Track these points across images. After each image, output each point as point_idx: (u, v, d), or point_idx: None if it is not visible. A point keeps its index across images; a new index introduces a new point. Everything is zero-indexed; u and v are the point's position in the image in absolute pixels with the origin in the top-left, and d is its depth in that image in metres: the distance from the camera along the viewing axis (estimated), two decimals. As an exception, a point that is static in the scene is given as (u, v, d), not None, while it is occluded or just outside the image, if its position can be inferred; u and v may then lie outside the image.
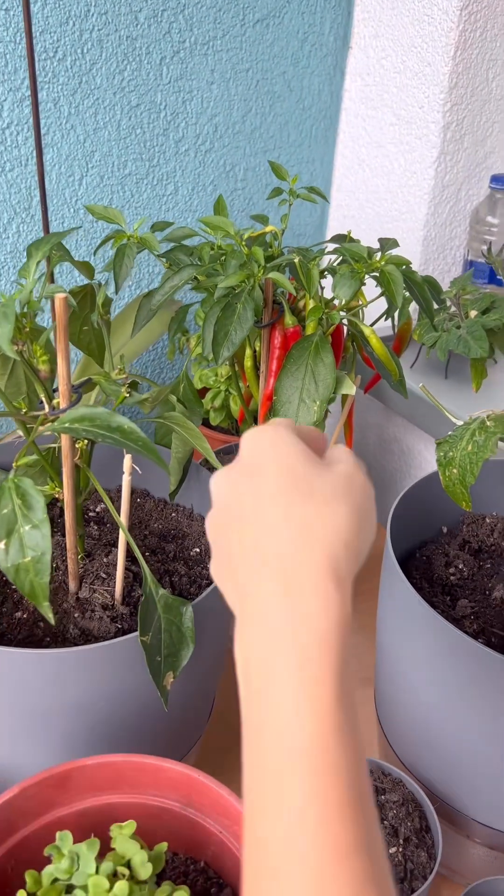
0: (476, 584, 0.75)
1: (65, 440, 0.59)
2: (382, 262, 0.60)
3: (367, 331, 0.72)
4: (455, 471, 0.55)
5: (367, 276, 0.62)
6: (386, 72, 1.14)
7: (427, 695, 0.66)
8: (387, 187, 1.19)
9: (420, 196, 1.15)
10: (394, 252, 0.62)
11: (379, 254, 0.62)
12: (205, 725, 0.76)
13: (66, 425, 0.54)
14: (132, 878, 0.49)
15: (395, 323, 0.83)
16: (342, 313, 0.68)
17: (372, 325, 0.79)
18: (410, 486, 0.76)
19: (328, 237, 1.32)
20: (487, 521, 0.82)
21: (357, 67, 1.18)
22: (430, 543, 0.81)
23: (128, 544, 0.62)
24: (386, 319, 0.83)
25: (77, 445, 0.61)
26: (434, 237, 1.18)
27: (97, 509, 0.81)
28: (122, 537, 0.63)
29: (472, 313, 0.58)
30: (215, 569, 0.38)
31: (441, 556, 0.78)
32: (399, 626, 0.68)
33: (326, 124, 1.24)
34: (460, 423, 0.55)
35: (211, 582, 0.71)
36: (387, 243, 0.63)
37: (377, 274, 0.65)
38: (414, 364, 1.07)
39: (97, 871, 0.48)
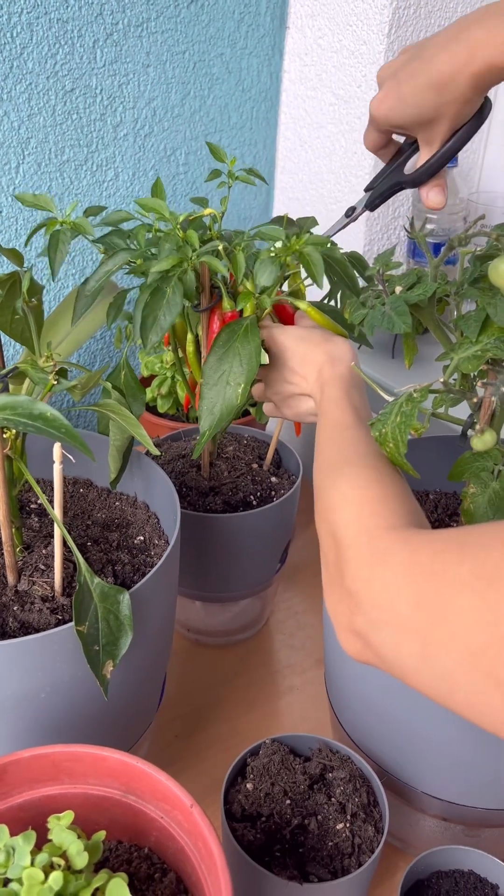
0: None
1: (-7, 431, 0.58)
2: (300, 244, 0.59)
3: (303, 305, 0.72)
4: (391, 445, 0.55)
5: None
6: (323, 51, 1.13)
7: (374, 671, 0.66)
8: (329, 168, 1.19)
9: (362, 177, 1.15)
10: (317, 230, 0.61)
11: (297, 235, 0.61)
12: (154, 713, 0.75)
13: (-12, 415, 0.53)
14: (69, 869, 0.48)
15: (339, 303, 0.83)
16: (269, 298, 0.68)
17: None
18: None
19: (274, 220, 1.31)
20: (431, 497, 0.83)
21: (295, 48, 1.17)
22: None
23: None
24: (329, 301, 0.82)
25: (5, 436, 0.60)
26: (377, 217, 1.18)
27: (38, 500, 0.80)
28: (58, 528, 0.63)
29: (398, 289, 0.58)
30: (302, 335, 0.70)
31: (386, 535, 0.78)
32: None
33: (267, 106, 1.23)
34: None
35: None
36: (306, 222, 0.62)
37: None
38: (360, 346, 1.07)
39: (32, 864, 0.47)
